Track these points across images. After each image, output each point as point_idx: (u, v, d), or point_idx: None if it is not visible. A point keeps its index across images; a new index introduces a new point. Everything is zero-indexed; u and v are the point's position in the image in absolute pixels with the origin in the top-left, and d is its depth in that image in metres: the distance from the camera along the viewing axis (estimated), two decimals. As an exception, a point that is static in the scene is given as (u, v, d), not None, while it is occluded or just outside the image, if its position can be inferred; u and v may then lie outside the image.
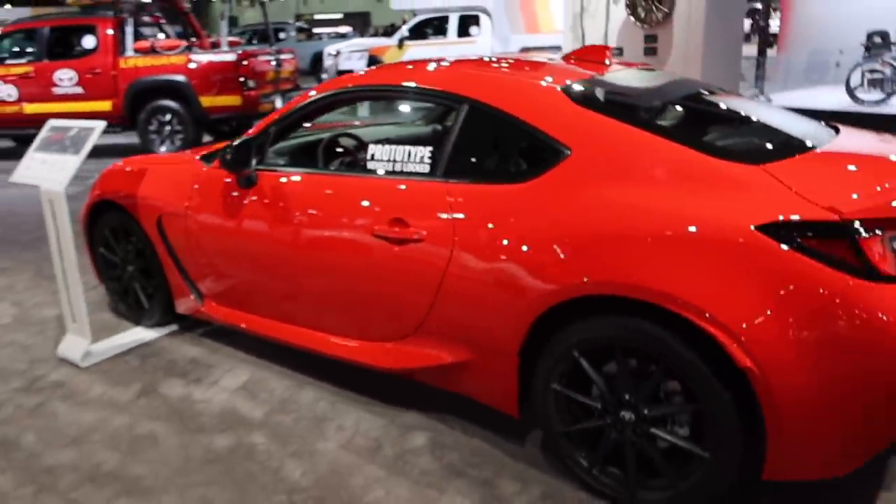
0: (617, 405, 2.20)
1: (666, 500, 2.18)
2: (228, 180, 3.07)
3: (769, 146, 2.43)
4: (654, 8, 6.18)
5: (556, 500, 2.32)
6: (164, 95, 8.39)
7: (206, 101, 8.32)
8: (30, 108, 8.59)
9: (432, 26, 12.98)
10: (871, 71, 9.40)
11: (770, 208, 1.96)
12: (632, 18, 6.39)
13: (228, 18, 8.70)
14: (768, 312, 1.89)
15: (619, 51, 6.62)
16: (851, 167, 2.26)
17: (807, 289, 1.87)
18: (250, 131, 3.09)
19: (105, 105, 8.47)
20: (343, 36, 21.52)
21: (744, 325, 1.91)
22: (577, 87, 2.49)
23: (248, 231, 3.02)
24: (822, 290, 1.86)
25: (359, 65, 12.14)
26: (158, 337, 3.64)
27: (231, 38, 9.70)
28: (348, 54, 13.08)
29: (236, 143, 2.94)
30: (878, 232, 1.88)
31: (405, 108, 4.65)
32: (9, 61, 8.67)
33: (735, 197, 2.03)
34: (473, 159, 2.53)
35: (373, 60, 12.82)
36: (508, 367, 2.39)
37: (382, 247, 2.59)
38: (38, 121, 8.76)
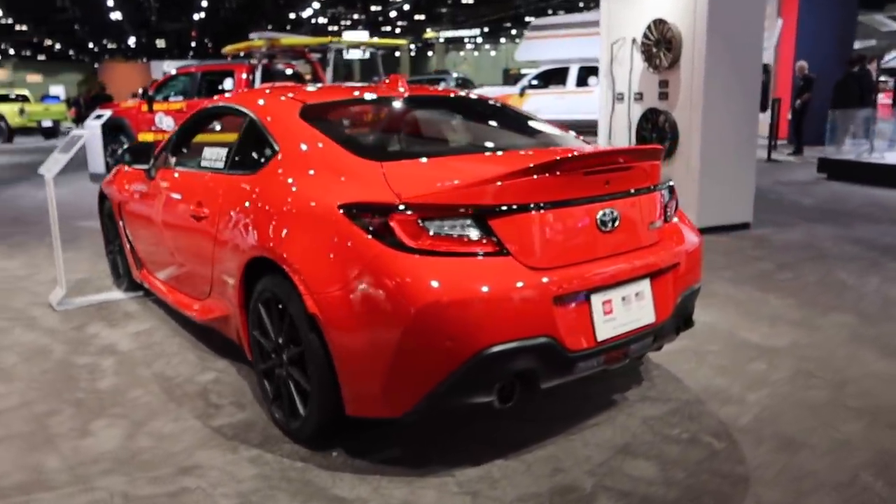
0: (279, 348, 2.77)
1: (297, 428, 2.70)
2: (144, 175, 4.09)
3: (409, 148, 3.00)
4: (662, 55, 6.38)
5: (248, 424, 2.92)
6: (277, 129, 9.96)
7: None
8: (181, 136, 10.64)
9: (554, 76, 13.59)
10: None
11: (358, 192, 2.48)
12: (646, 64, 6.62)
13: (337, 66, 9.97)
14: (331, 271, 2.41)
15: (640, 95, 6.85)
16: (457, 167, 2.65)
17: (355, 254, 2.36)
18: (163, 141, 4.10)
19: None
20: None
21: (315, 280, 2.44)
22: (313, 105, 3.13)
23: (146, 212, 4.00)
24: (363, 256, 2.34)
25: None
26: (124, 298, 4.75)
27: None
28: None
29: (128, 146, 3.95)
30: (412, 213, 2.31)
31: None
32: (171, 99, 10.86)
33: (349, 184, 2.57)
34: (240, 156, 3.27)
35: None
36: (240, 318, 3.06)
37: (193, 223, 3.40)
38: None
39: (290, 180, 2.79)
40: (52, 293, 4.71)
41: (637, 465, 2.54)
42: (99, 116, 11.22)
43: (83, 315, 4.42)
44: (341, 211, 2.43)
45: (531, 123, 3.46)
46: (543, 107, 13.38)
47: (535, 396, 2.49)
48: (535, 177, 2.38)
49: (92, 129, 10.96)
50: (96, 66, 47.54)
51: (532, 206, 2.38)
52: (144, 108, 10.97)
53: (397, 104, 3.38)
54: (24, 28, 40.22)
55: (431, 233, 2.31)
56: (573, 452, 2.64)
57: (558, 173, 2.42)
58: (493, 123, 3.41)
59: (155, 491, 2.46)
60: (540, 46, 14.20)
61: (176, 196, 3.66)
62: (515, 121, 3.50)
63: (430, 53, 61.85)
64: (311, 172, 2.75)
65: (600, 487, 2.41)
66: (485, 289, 2.27)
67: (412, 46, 58.90)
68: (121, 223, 4.52)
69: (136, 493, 2.45)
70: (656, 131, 6.60)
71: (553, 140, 3.21)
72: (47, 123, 20.84)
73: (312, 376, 2.54)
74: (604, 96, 7.43)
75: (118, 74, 38.19)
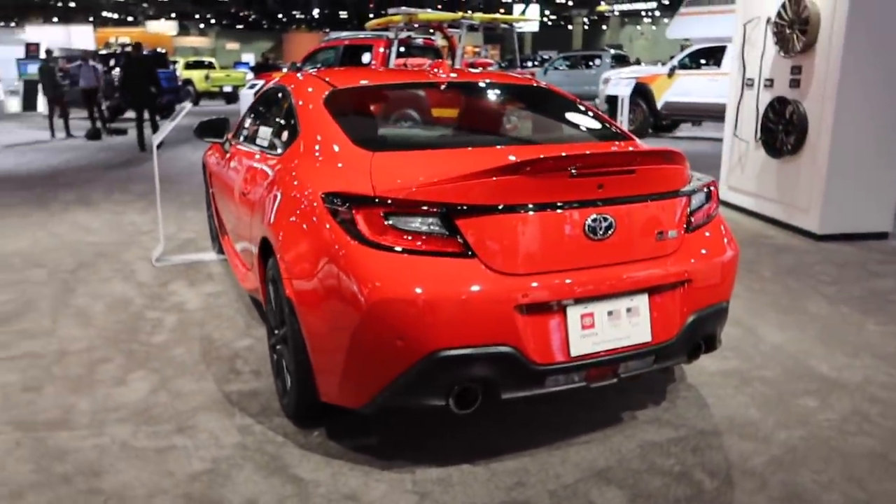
0: (279, 326, 2.88)
1: (286, 405, 2.81)
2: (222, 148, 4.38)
3: (413, 139, 3.00)
4: (795, 37, 5.71)
5: (255, 394, 3.08)
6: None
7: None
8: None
9: (707, 56, 12.58)
10: None
11: (342, 182, 2.49)
12: (777, 47, 5.97)
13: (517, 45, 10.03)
14: (306, 258, 2.46)
15: (770, 82, 6.20)
16: (446, 161, 2.55)
17: (325, 243, 2.39)
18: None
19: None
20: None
21: (293, 265, 2.51)
22: (340, 90, 3.16)
23: (221, 184, 4.29)
24: (331, 246, 2.36)
25: (625, 91, 12.48)
26: (214, 260, 5.15)
27: (482, 59, 11.12)
28: (617, 81, 13.47)
29: (202, 122, 4.21)
30: (378, 207, 2.29)
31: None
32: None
33: (339, 173, 2.60)
34: (277, 137, 3.39)
35: (639, 88, 13.00)
36: (262, 293, 3.21)
37: (242, 198, 3.60)
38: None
39: (300, 164, 2.87)
40: (154, 250, 5.22)
41: (605, 494, 2.37)
42: (253, 86, 12.18)
43: (173, 272, 4.86)
44: (322, 199, 2.46)
45: (573, 115, 3.26)
46: (694, 89, 12.47)
47: (498, 404, 2.39)
48: (510, 176, 2.25)
49: (245, 97, 11.93)
50: (283, 35, 51.11)
51: (504, 207, 2.27)
52: (293, 79, 11.68)
53: (429, 92, 3.33)
54: (226, -1, 44.26)
55: (395, 228, 2.28)
56: (546, 468, 2.51)
57: (539, 174, 2.27)
58: (526, 115, 3.25)
59: (148, 444, 2.68)
60: (694, 23, 13.20)
61: (236, 171, 3.89)
62: (556, 112, 3.31)
63: (604, 27, 59.79)
64: (318, 159, 2.81)
65: (553, 510, 2.28)
66: (440, 290, 2.20)
67: (585, 20, 57.25)
68: (211, 191, 4.88)
69: (132, 444, 2.69)
70: (782, 123, 5.94)
71: (581, 135, 3.00)
72: (228, 89, 22.84)
73: (291, 358, 2.62)
74: (733, 81, 6.81)
75: (299, 43, 40.88)
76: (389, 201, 2.29)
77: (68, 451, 2.64)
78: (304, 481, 2.44)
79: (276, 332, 2.91)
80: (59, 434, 2.77)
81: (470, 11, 11.84)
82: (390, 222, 2.28)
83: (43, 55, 15.96)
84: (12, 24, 37.44)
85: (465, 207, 2.25)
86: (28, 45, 20.54)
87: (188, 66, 23.74)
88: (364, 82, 3.39)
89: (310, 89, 3.30)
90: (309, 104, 3.15)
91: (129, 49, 13.65)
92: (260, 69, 17.99)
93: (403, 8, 10.49)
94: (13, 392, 3.11)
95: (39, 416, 2.90)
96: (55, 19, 42.33)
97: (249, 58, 44.46)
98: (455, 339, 2.21)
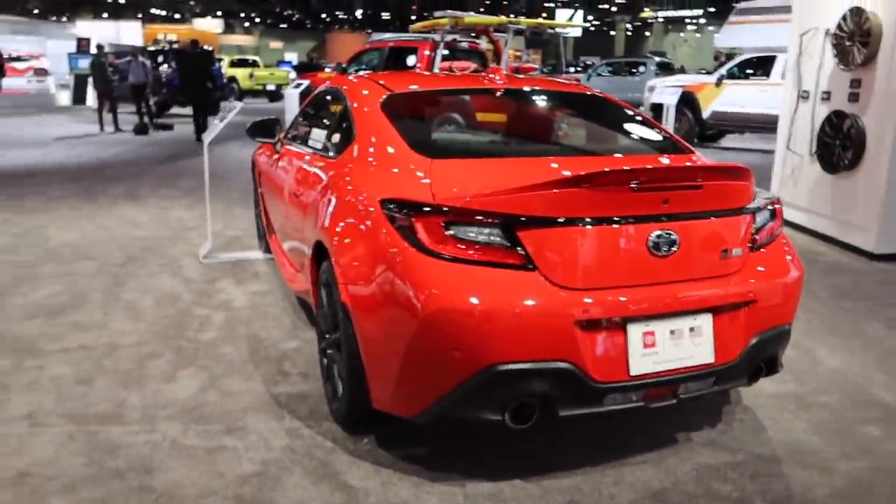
0: (331, 331, 2.87)
1: (335, 410, 2.80)
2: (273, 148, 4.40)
3: (471, 146, 3.00)
4: (856, 49, 5.54)
5: (303, 397, 3.08)
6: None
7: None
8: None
9: (756, 66, 12.32)
10: None
11: (400, 188, 2.47)
12: (836, 60, 5.81)
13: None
14: (364, 264, 2.44)
15: (827, 95, 6.03)
16: (506, 170, 2.52)
17: (384, 250, 2.37)
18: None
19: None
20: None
21: (350, 270, 2.49)
22: (397, 95, 3.14)
23: (271, 183, 4.31)
24: (390, 253, 2.34)
25: (670, 100, 12.29)
26: (260, 259, 5.18)
27: (525, 64, 11.07)
28: (662, 89, 13.27)
29: (254, 122, 4.23)
30: (435, 216, 2.26)
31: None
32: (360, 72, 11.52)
33: (397, 179, 2.58)
34: (332, 140, 3.38)
35: (686, 97, 12.78)
36: (313, 297, 3.21)
37: (294, 199, 3.61)
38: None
39: (355, 168, 2.86)
40: (202, 247, 5.27)
41: (662, 517, 2.30)
42: (298, 85, 12.29)
43: (220, 269, 4.91)
44: (380, 205, 2.45)
45: (631, 125, 3.20)
46: (742, 99, 12.22)
47: (553, 421, 2.34)
48: (574, 189, 2.20)
49: (290, 96, 12.05)
50: (326, 35, 51.61)
51: (566, 219, 2.22)
52: (337, 79, 11.76)
53: (486, 99, 3.29)
54: (271, -2, 44.90)
55: (455, 238, 2.24)
56: (599, 488, 2.45)
57: (604, 187, 2.22)
58: (585, 123, 3.20)
59: (198, 443, 2.69)
60: (744, 32, 12.93)
61: (287, 172, 3.90)
62: (615, 122, 3.25)
63: (647, 34, 59.17)
64: (374, 163, 2.79)
65: (608, 532, 2.22)
66: (500, 302, 2.16)
67: (628, 26, 56.70)
68: (260, 190, 4.92)
69: (183, 442, 2.70)
70: (840, 137, 5.77)
71: (641, 147, 2.94)
72: (271, 87, 23.12)
73: (344, 364, 2.61)
74: (788, 93, 6.64)
75: (342, 44, 41.28)
76: (449, 210, 2.26)
77: (120, 446, 2.67)
78: (354, 489, 2.42)
79: (328, 336, 2.91)
80: (112, 428, 2.79)
81: (513, 15, 11.80)
82: (451, 231, 2.25)
83: (94, 50, 16.31)
84: (63, 19, 38.52)
85: (527, 219, 2.21)
86: (80, 41, 21.04)
87: (233, 63, 24.05)
88: (420, 87, 3.37)
89: (365, 92, 3.29)
90: (365, 107, 3.14)
91: (177, 45, 13.92)
92: (303, 68, 18.21)
93: (449, 11, 10.49)
94: (67, 384, 3.15)
95: (91, 410, 2.94)
96: (105, 15, 43.36)
97: (293, 57, 44.99)
98: (513, 353, 2.17)
